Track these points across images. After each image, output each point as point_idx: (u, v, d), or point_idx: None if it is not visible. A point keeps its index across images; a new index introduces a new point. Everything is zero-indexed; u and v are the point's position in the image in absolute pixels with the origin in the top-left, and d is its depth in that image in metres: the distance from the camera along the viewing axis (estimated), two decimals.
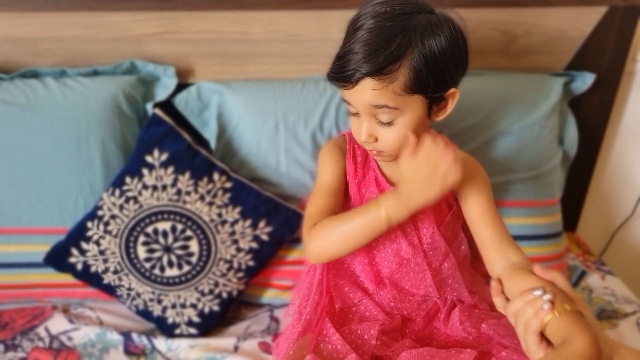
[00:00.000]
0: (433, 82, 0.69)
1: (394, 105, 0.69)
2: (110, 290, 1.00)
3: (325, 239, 0.75)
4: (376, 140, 0.74)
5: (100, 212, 0.97)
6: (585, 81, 1.10)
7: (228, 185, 0.98)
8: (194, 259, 0.97)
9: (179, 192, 0.96)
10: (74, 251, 0.98)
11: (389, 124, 0.72)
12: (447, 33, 0.68)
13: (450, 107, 0.76)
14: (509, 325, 0.76)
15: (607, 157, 1.27)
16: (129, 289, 0.99)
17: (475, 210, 0.79)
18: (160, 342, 0.96)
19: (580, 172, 1.23)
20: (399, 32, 0.67)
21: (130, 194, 0.96)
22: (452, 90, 0.73)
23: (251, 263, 1.00)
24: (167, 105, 1.04)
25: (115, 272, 0.99)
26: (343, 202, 0.84)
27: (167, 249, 0.97)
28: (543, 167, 1.06)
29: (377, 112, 0.71)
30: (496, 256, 0.75)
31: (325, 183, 0.81)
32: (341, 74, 0.69)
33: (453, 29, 0.69)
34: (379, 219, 0.71)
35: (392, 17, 0.68)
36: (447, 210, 0.83)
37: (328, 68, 0.76)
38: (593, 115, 1.17)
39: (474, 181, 0.80)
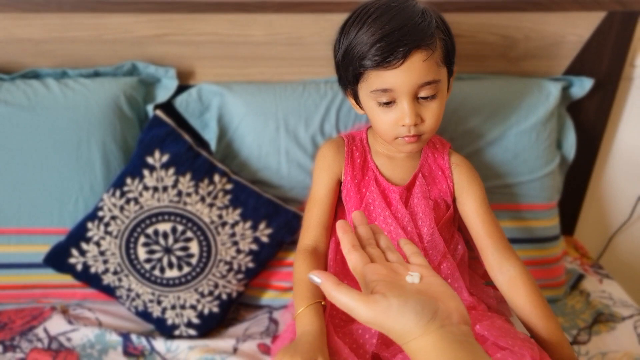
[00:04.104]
0: (453, 52, 0.76)
1: (438, 77, 0.74)
2: (109, 291, 1.00)
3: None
4: (422, 120, 0.76)
5: (100, 213, 0.97)
6: (583, 86, 1.10)
7: (229, 187, 0.98)
8: (194, 260, 0.98)
9: (179, 194, 0.96)
10: (74, 252, 0.98)
11: (432, 98, 0.75)
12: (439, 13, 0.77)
13: (451, 83, 0.81)
14: (504, 326, 0.76)
15: (605, 162, 1.28)
16: (129, 289, 0.99)
17: (473, 220, 0.84)
18: (160, 344, 0.96)
19: (578, 176, 1.23)
20: (418, 11, 0.73)
21: (130, 195, 0.96)
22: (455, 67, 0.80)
23: (251, 265, 1.00)
24: (168, 107, 1.04)
25: (115, 273, 0.99)
26: (336, 209, 0.88)
27: (168, 250, 0.97)
28: (541, 171, 1.06)
29: (420, 90, 0.74)
30: (495, 270, 0.81)
31: (317, 195, 0.86)
32: (388, 53, 0.70)
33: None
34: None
35: (401, 2, 0.73)
36: (445, 210, 0.84)
37: (334, 69, 0.78)
38: (591, 120, 1.17)
39: (471, 189, 0.84)
